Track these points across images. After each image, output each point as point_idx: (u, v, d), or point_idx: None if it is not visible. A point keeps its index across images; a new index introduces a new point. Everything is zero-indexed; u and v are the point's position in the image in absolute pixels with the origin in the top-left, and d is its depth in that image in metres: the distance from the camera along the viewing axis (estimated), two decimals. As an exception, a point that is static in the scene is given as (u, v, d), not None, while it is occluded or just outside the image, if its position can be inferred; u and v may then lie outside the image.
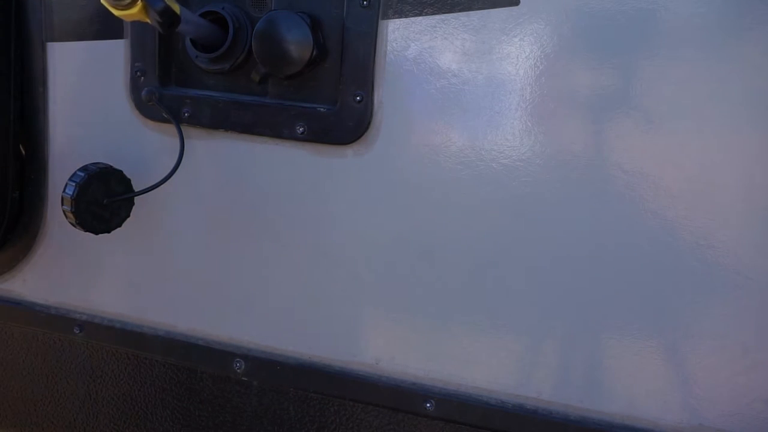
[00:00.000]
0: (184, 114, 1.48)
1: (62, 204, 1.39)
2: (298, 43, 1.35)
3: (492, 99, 1.33)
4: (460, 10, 1.31)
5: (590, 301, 1.34)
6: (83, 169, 1.41)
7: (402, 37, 1.35)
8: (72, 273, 1.67)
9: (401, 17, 1.34)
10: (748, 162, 1.23)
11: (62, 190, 1.38)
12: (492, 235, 1.37)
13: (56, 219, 1.64)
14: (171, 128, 1.50)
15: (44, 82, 1.59)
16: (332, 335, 1.51)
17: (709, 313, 1.29)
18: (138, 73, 1.50)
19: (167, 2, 1.16)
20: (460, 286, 1.41)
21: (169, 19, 1.16)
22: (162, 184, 1.43)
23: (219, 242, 1.54)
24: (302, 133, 1.42)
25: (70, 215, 1.39)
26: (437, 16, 1.32)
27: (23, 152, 1.67)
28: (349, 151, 1.42)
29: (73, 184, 1.38)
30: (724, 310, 1.29)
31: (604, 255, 1.32)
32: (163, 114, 1.49)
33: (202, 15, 1.43)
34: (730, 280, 1.27)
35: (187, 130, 1.49)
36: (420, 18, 1.33)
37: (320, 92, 1.42)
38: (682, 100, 1.24)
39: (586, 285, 1.34)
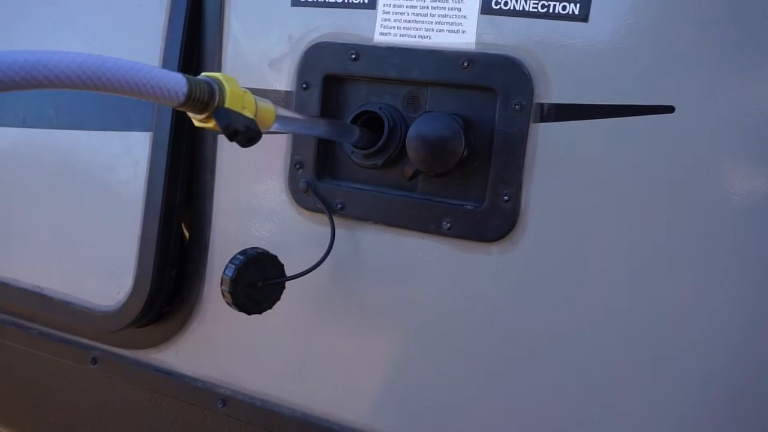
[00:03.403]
0: (337, 205, 1.57)
1: (221, 284, 1.48)
2: (450, 143, 1.40)
3: (641, 207, 1.31)
4: (613, 116, 1.32)
5: None
6: (243, 252, 1.50)
7: (552, 141, 1.37)
8: (221, 348, 1.76)
9: (553, 121, 1.37)
10: None
11: (222, 271, 1.47)
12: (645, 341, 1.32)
13: (212, 296, 1.75)
14: (323, 218, 1.59)
15: (213, 171, 1.74)
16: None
17: None
18: (297, 166, 1.62)
19: (243, 120, 1.11)
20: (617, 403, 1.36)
21: (236, 136, 1.13)
22: (312, 270, 1.51)
23: (361, 330, 1.58)
24: (448, 228, 1.46)
25: (228, 295, 1.47)
26: (590, 121, 1.34)
27: (186, 234, 1.83)
28: (494, 248, 1.44)
29: (233, 266, 1.47)
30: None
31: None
32: (318, 204, 1.58)
33: (360, 114, 1.54)
34: None
35: (337, 220, 1.57)
36: (572, 122, 1.35)
37: (468, 190, 1.47)
38: None
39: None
